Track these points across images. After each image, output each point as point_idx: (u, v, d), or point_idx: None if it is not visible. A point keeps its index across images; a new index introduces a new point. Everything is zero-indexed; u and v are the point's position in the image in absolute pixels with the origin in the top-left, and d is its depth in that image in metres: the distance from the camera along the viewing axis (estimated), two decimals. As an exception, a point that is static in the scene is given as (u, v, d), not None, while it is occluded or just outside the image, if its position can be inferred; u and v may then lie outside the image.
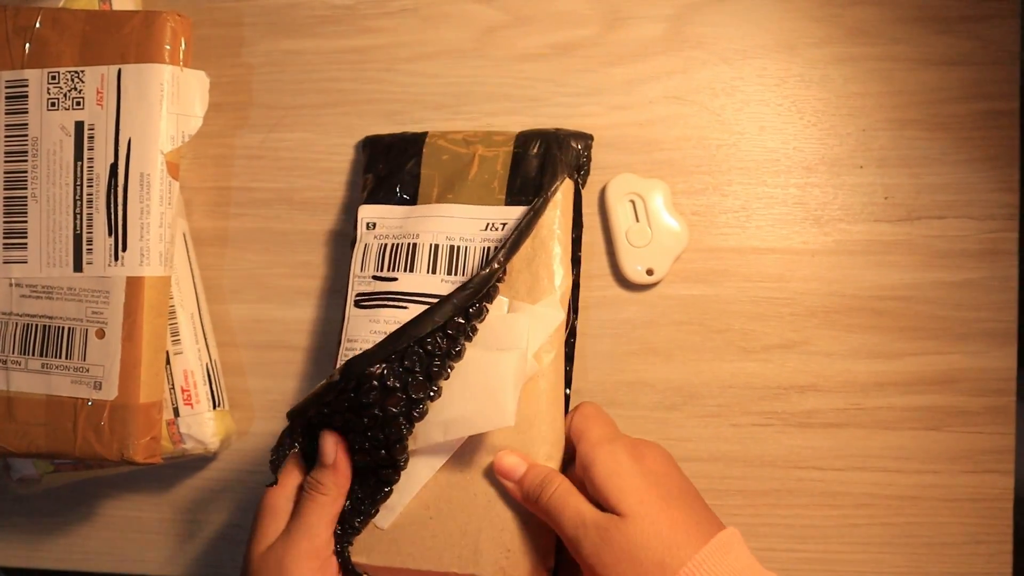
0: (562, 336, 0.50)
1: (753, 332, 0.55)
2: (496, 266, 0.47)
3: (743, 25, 0.56)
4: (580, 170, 0.53)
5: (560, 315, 0.49)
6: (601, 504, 0.43)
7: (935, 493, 0.54)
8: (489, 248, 0.50)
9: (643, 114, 0.56)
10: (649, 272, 0.55)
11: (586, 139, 0.53)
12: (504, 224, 0.50)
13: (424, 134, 0.54)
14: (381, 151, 0.55)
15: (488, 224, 0.51)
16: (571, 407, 0.51)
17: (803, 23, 0.55)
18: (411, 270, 0.50)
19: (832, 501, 0.55)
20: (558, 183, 0.51)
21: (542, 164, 0.51)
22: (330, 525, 0.46)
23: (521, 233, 0.48)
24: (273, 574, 0.45)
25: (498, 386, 0.45)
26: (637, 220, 0.55)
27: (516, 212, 0.50)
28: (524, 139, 0.52)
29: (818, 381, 0.55)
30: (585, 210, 0.56)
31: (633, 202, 0.55)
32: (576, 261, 0.52)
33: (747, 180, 0.55)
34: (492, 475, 0.47)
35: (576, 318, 0.52)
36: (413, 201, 0.53)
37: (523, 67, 0.57)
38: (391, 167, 0.54)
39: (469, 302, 0.47)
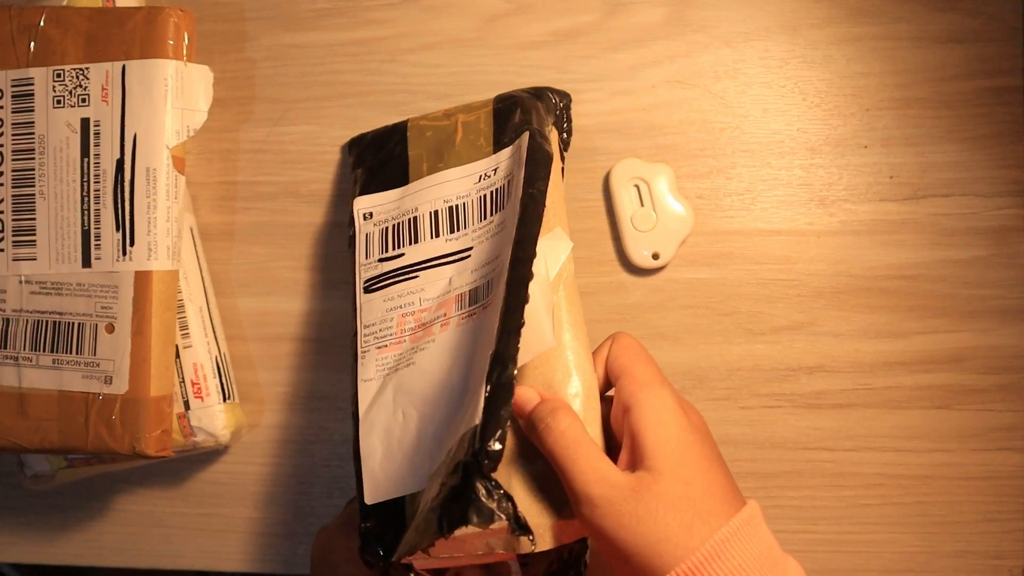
0: (572, 267, 0.47)
1: (760, 314, 0.55)
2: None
3: (744, 7, 0.56)
4: (561, 125, 0.52)
5: (569, 243, 0.47)
6: (630, 454, 0.40)
7: (946, 472, 0.54)
8: (485, 196, 0.49)
9: (646, 99, 0.56)
10: (655, 256, 0.55)
11: (564, 96, 0.52)
12: (496, 169, 0.49)
13: (405, 121, 0.54)
14: (366, 146, 0.55)
15: (480, 176, 0.50)
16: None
17: (805, 4, 0.55)
18: (416, 241, 0.50)
19: (843, 482, 0.55)
20: (547, 126, 0.49)
21: (524, 110, 0.50)
22: None
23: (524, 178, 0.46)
24: None
25: (531, 313, 0.42)
26: (642, 205, 0.55)
27: (505, 154, 0.49)
28: (503, 97, 0.52)
29: (826, 362, 0.55)
30: (589, 196, 0.56)
31: (637, 187, 0.55)
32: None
33: (751, 162, 0.55)
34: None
35: None
36: (406, 181, 0.52)
37: (525, 55, 0.57)
38: (379, 158, 0.54)
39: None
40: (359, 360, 0.49)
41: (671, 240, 0.55)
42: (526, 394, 0.42)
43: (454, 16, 0.57)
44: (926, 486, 0.54)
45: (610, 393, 0.44)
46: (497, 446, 0.37)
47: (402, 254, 0.50)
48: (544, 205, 0.44)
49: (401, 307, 0.48)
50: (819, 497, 0.55)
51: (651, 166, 0.55)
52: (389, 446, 0.46)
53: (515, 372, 0.38)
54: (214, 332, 0.57)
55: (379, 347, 0.49)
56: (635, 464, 0.39)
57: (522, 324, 0.39)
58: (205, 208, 0.59)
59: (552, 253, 0.46)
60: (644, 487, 0.37)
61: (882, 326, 0.55)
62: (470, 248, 0.48)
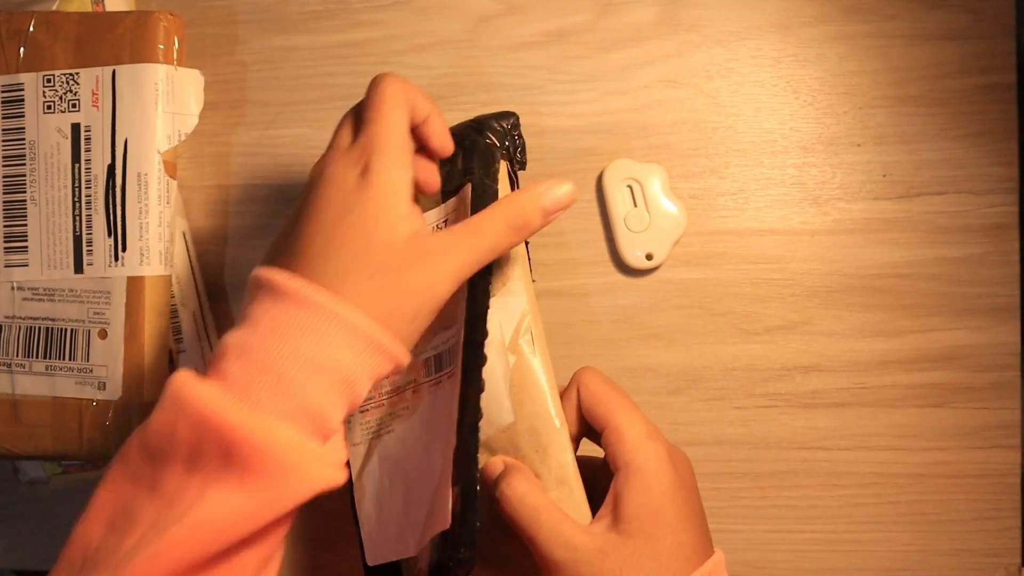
0: (535, 318, 0.45)
1: (754, 314, 0.55)
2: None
3: (736, 6, 0.55)
4: (515, 151, 0.49)
5: (522, 299, 0.45)
6: (611, 513, 0.40)
7: (941, 470, 0.54)
8: None
9: (638, 99, 0.56)
10: (648, 257, 0.55)
11: (509, 117, 0.50)
12: (446, 220, 0.47)
13: None
14: None
15: (434, 227, 0.48)
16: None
17: (797, 2, 0.55)
18: None
19: (838, 481, 0.55)
20: (495, 163, 0.47)
21: (466, 154, 0.48)
22: None
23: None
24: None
25: (489, 392, 0.43)
26: (635, 205, 0.55)
27: (451, 204, 0.48)
28: None
29: (821, 361, 0.55)
30: (582, 196, 0.56)
31: (631, 187, 0.55)
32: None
33: (744, 162, 0.55)
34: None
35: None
36: None
37: (517, 56, 0.57)
38: None
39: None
40: (347, 425, 0.49)
41: (665, 240, 0.55)
42: (492, 465, 0.43)
43: (445, 17, 0.57)
44: (921, 485, 0.54)
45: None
46: (466, 553, 0.39)
47: None
48: (491, 272, 0.44)
49: None
50: (815, 496, 0.55)
51: (644, 166, 0.55)
52: (381, 512, 0.47)
53: (478, 473, 0.40)
54: (208, 337, 0.57)
55: (362, 411, 0.49)
56: (613, 523, 0.40)
57: (479, 417, 0.41)
58: (198, 212, 0.59)
59: (507, 314, 0.45)
60: (611, 549, 0.39)
61: (876, 325, 0.54)
62: None
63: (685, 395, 0.55)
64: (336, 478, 0.37)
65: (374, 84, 0.42)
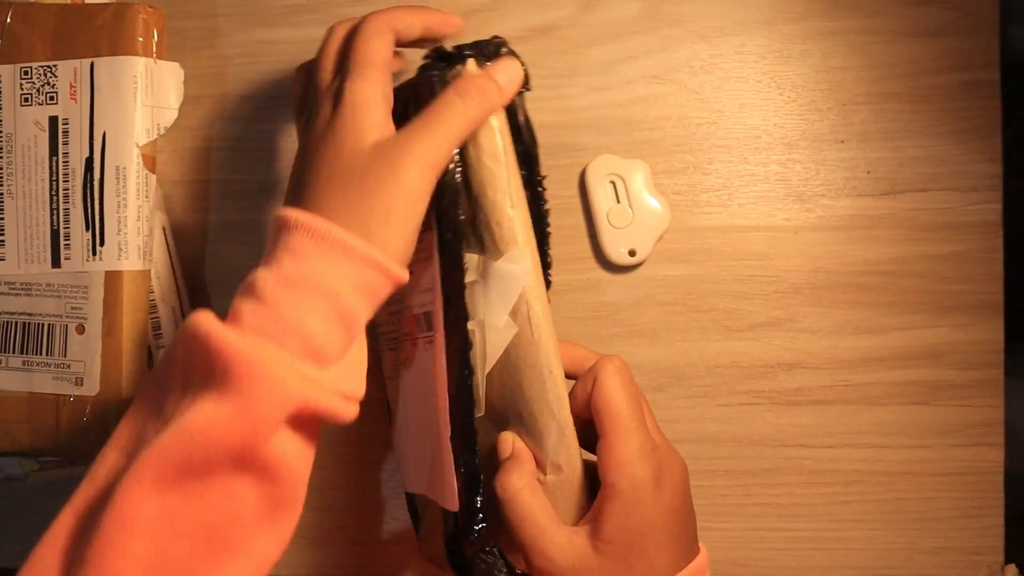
0: (536, 293, 0.43)
1: (738, 311, 0.55)
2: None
3: (720, 2, 0.55)
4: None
5: (524, 269, 0.43)
6: (591, 527, 0.41)
7: (925, 468, 0.54)
8: None
9: (622, 94, 0.55)
10: (631, 253, 0.54)
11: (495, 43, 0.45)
12: None
13: None
14: None
15: None
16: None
17: (781, -2, 0.55)
18: None
19: (821, 479, 0.54)
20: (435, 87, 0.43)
21: (416, 100, 0.44)
22: None
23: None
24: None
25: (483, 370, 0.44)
26: (618, 201, 0.54)
27: None
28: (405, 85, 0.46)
29: (804, 358, 0.55)
30: (565, 192, 0.55)
31: (613, 183, 0.54)
32: (534, 185, 0.47)
33: (728, 158, 0.55)
34: None
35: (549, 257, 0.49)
36: None
37: (500, 50, 0.56)
38: None
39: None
40: (381, 358, 0.52)
41: (648, 237, 0.54)
42: (501, 445, 0.43)
43: (428, 12, 0.57)
44: (904, 482, 0.54)
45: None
46: (477, 528, 0.42)
47: None
48: (460, 248, 0.43)
49: (396, 311, 0.48)
50: (797, 494, 0.55)
51: (627, 162, 0.55)
52: (404, 445, 0.49)
53: (477, 459, 0.42)
54: (187, 332, 0.56)
55: (391, 348, 0.51)
56: (591, 535, 0.41)
57: (473, 405, 0.43)
58: (178, 207, 0.59)
59: (503, 287, 0.43)
60: (583, 567, 0.40)
61: (860, 322, 0.54)
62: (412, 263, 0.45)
63: (668, 392, 0.55)
64: (329, 403, 0.37)
65: (357, 23, 0.44)
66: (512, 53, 0.45)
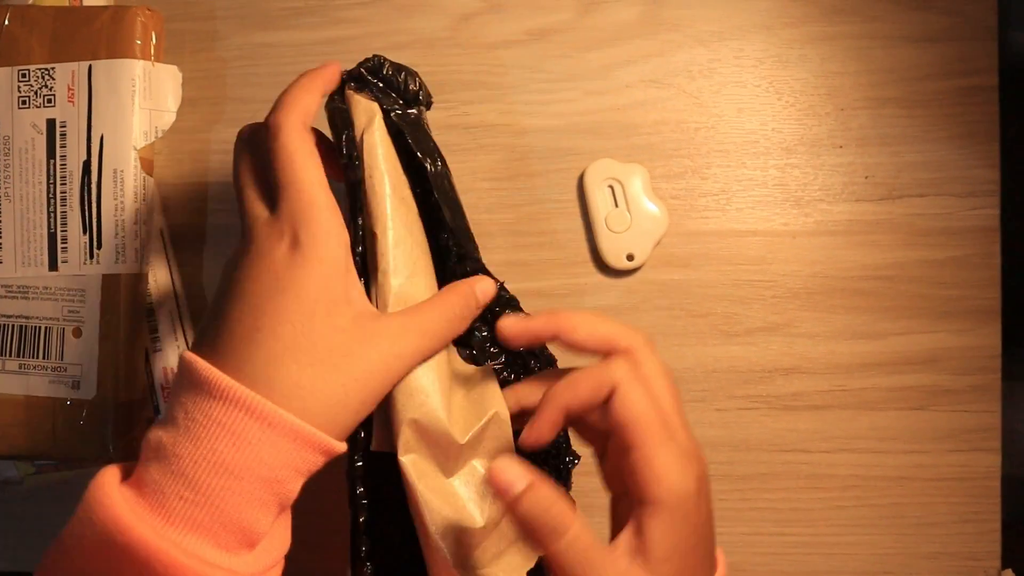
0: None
1: (736, 315, 0.55)
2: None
3: (719, 6, 0.55)
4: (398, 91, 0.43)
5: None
6: (633, 541, 0.35)
7: (921, 473, 0.54)
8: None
9: (620, 99, 0.55)
10: (629, 257, 0.54)
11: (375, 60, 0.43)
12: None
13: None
14: None
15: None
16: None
17: (779, 3, 0.55)
18: None
19: (818, 484, 0.55)
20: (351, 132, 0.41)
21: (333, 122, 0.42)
22: None
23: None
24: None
25: None
26: (616, 205, 0.54)
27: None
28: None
29: (802, 363, 0.55)
30: (563, 196, 0.55)
31: (612, 187, 0.54)
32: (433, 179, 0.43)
33: (726, 163, 0.55)
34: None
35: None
36: None
37: (498, 54, 0.56)
38: None
39: None
40: None
41: (646, 241, 0.54)
42: (511, 476, 0.35)
43: (427, 15, 0.57)
44: (902, 487, 0.54)
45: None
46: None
47: None
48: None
49: None
50: (795, 499, 0.55)
51: (625, 166, 0.54)
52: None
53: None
54: (184, 336, 0.56)
55: None
56: (637, 555, 0.35)
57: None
58: (176, 210, 0.59)
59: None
60: None
61: (858, 327, 0.54)
62: None
63: (666, 397, 0.55)
64: None
65: (271, 136, 0.38)
66: (398, 67, 0.43)
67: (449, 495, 0.40)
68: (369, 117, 0.41)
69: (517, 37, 0.56)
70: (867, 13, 0.54)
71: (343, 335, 0.35)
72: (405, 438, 0.39)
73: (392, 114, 0.42)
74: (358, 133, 0.41)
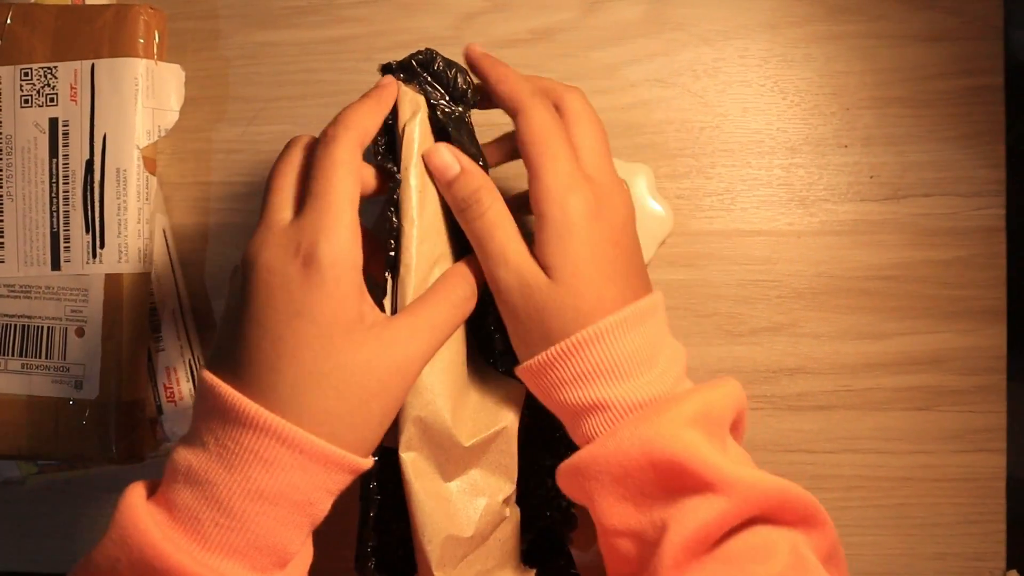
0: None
1: (740, 315, 0.55)
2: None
3: (724, 5, 0.55)
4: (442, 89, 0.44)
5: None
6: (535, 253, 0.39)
7: (926, 474, 0.54)
8: None
9: (625, 98, 0.55)
10: (634, 257, 0.54)
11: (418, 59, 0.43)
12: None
13: None
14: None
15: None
16: None
17: (784, 2, 0.55)
18: None
19: (823, 484, 0.54)
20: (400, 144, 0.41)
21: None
22: None
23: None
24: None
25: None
26: (621, 205, 0.54)
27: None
28: None
29: (807, 363, 0.54)
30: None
31: (616, 187, 0.54)
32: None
33: (731, 162, 0.55)
34: None
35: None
36: None
37: (502, 53, 0.56)
38: None
39: None
40: None
41: (650, 241, 0.54)
42: (446, 160, 0.40)
43: (430, 14, 0.57)
44: (906, 488, 0.54)
45: None
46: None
47: None
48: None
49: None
50: (799, 499, 0.54)
51: (630, 166, 0.54)
52: None
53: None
54: (187, 335, 0.56)
55: None
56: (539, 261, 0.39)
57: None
58: (179, 209, 0.58)
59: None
60: (541, 291, 0.38)
61: (863, 327, 0.54)
62: None
63: (670, 397, 0.55)
64: None
65: (323, 143, 0.38)
66: (449, 63, 0.44)
67: (443, 499, 0.40)
68: (414, 109, 0.42)
69: (521, 36, 0.56)
70: (872, 12, 0.54)
71: (361, 353, 0.36)
72: (408, 435, 0.39)
73: (439, 110, 0.43)
74: (401, 123, 0.41)
